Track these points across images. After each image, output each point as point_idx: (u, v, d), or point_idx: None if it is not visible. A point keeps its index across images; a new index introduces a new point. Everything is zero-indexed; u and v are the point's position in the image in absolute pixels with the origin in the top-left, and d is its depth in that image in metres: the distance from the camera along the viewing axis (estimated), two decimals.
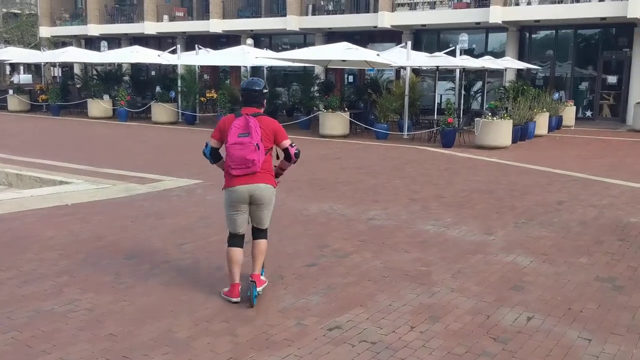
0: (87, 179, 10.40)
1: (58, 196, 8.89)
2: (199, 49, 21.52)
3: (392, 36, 25.73)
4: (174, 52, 23.01)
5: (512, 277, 5.35)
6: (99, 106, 22.52)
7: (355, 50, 17.27)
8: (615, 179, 10.63)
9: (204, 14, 30.94)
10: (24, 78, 34.37)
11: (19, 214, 7.56)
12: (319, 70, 25.64)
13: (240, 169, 4.57)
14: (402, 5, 24.22)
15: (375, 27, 24.83)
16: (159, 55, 23.02)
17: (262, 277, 4.95)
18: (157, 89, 24.51)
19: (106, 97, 22.76)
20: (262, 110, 4.75)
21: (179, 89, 21.54)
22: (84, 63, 27.10)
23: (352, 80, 28.00)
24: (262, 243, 4.90)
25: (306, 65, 24.59)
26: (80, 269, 5.44)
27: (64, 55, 24.04)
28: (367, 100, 20.77)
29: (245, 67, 24.38)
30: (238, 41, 29.34)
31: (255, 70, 24.71)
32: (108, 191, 9.39)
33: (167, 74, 27.47)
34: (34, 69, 52.48)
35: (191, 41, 29.98)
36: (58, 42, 37.73)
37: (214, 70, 30.80)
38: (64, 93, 24.66)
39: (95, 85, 24.39)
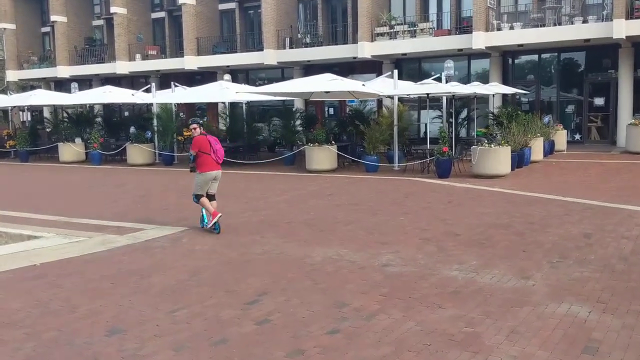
0: (59, 232, 9.34)
1: (26, 254, 7.82)
2: (175, 86, 20.66)
3: (372, 66, 25.24)
4: (148, 90, 22.12)
5: (577, 335, 4.46)
6: (70, 150, 21.39)
7: (339, 81, 16.58)
8: (634, 205, 9.91)
9: (178, 52, 30.19)
10: None
11: None
12: (298, 103, 24.95)
13: (221, 161, 8.80)
14: (382, 34, 23.74)
15: (355, 57, 24.29)
16: (132, 95, 22.08)
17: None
18: (132, 129, 23.51)
19: (78, 140, 21.66)
20: None
21: (155, 128, 20.57)
22: (54, 106, 25.97)
23: (332, 113, 27.34)
24: (215, 202, 8.93)
25: (285, 99, 23.90)
26: (50, 353, 4.41)
27: (32, 98, 22.91)
28: (351, 133, 20.03)
29: (224, 103, 23.60)
30: (214, 78, 28.61)
31: (234, 106, 23.91)
32: (83, 246, 8.34)
33: (141, 113, 26.50)
34: (1, 114, 51.05)
35: (165, 79, 29.17)
36: (26, 86, 36.57)
37: (189, 108, 29.92)
38: (33, 138, 23.50)
39: (66, 128, 23.29)
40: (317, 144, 16.43)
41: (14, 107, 27.89)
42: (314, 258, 7.11)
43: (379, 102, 24.23)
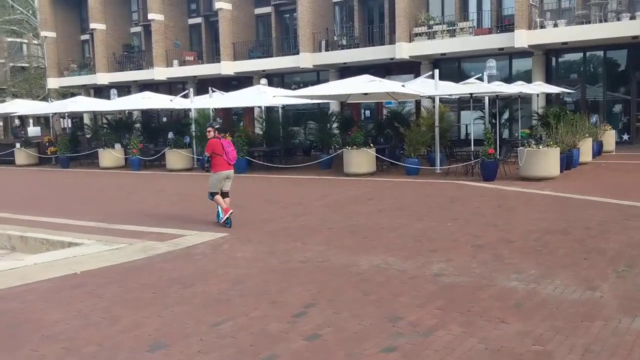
0: (99, 239, 9.23)
1: (66, 262, 7.70)
2: (213, 91, 20.61)
3: (410, 67, 24.81)
4: (186, 96, 22.16)
5: None
6: (110, 156, 21.55)
7: (378, 82, 16.25)
8: None
9: (215, 57, 30.28)
10: (32, 131, 33.71)
11: (19, 289, 6.36)
12: (334, 106, 24.69)
13: (232, 162, 9.60)
14: (420, 35, 23.30)
15: (392, 59, 23.92)
16: (171, 100, 22.15)
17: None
18: (170, 135, 23.58)
19: (118, 146, 21.81)
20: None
21: (193, 133, 20.56)
22: (94, 112, 26.30)
23: (369, 115, 26.99)
24: (228, 199, 9.68)
25: (321, 102, 23.65)
26: None
27: (72, 105, 23.21)
28: (389, 135, 19.66)
29: (260, 107, 23.47)
30: (250, 82, 28.59)
31: (270, 110, 23.77)
32: (123, 253, 8.19)
33: (179, 119, 26.64)
34: (43, 121, 52.19)
35: (202, 85, 29.27)
36: (67, 93, 37.24)
37: (226, 113, 29.96)
38: (73, 144, 23.76)
39: (105, 134, 23.49)
40: (355, 146, 16.10)
41: (55, 113, 28.36)
42: (360, 266, 6.79)
43: (417, 103, 23.82)
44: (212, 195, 9.65)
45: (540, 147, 13.36)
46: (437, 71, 16.26)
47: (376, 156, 16.38)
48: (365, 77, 16.49)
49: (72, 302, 5.79)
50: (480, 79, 16.94)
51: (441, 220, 9.47)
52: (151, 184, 16.82)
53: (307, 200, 12.35)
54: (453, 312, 5.05)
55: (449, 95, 17.98)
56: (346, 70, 26.08)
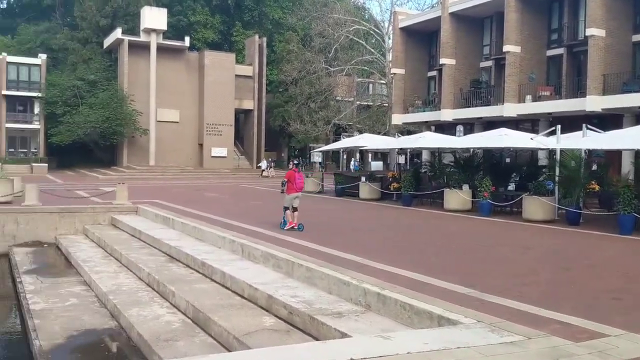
0: (476, 316, 6.73)
1: (447, 357, 5.29)
2: (588, 129, 16.91)
3: None
4: (549, 134, 18.86)
5: None
6: (457, 197, 19.42)
7: None
8: None
9: (576, 92, 26.20)
10: (375, 165, 34.32)
11: None
12: None
13: (299, 190, 13.85)
14: None
15: None
16: (531, 139, 19.09)
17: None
18: (515, 177, 20.54)
19: (465, 187, 19.61)
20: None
21: (557, 178, 17.07)
22: (438, 149, 24.80)
23: None
24: (296, 213, 13.66)
25: None
26: None
27: (420, 141, 22.00)
28: None
29: None
30: (618, 122, 23.77)
31: None
32: (524, 356, 5.44)
33: (529, 161, 23.39)
34: (380, 156, 54.34)
35: (556, 123, 25.36)
36: (403, 130, 37.28)
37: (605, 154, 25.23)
38: (416, 181, 22.48)
39: (451, 173, 21.59)
40: None
41: (400, 149, 27.86)
42: None
43: None
44: (285, 209, 13.58)
45: None
46: None
47: None
48: None
49: None
50: None
51: None
52: (510, 237, 13.95)
53: None
54: None
55: None
56: None
